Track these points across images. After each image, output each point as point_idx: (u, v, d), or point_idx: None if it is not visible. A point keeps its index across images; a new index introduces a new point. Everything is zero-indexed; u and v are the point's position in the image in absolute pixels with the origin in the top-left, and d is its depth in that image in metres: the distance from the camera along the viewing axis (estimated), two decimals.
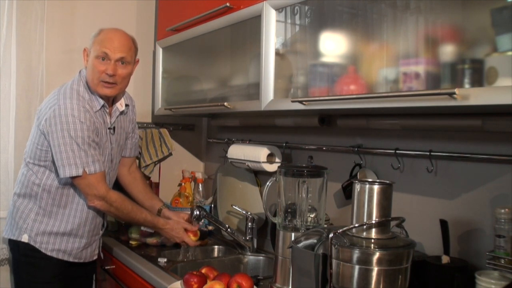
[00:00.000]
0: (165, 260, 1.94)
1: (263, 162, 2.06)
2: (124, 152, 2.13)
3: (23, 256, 1.88)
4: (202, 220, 2.13)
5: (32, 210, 1.88)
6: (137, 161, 2.59)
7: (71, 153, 1.77)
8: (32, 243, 1.86)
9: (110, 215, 1.95)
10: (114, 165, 2.01)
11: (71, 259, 1.91)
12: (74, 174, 1.78)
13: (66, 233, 1.89)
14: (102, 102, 1.88)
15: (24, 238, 1.87)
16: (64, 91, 1.82)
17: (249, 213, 2.13)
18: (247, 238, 2.12)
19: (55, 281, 1.89)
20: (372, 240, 1.22)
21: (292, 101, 1.55)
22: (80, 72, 1.91)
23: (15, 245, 1.91)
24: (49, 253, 1.87)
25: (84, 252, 1.95)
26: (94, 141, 1.83)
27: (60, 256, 1.88)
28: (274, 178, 1.68)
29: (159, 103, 2.45)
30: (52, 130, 1.78)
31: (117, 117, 1.98)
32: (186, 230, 2.00)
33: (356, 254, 1.19)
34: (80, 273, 2.00)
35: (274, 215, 1.80)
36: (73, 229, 1.90)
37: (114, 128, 1.97)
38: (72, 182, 1.85)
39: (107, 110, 1.93)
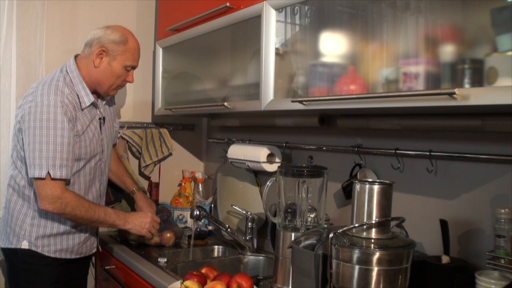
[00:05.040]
0: (165, 260, 1.93)
1: (263, 162, 2.06)
2: None
3: (22, 263, 1.82)
4: (202, 220, 2.13)
5: (27, 214, 1.82)
6: (137, 160, 2.60)
7: (38, 153, 1.69)
8: (33, 248, 1.81)
9: (65, 217, 1.79)
10: (106, 155, 1.97)
11: (73, 256, 1.89)
12: (36, 175, 1.69)
13: (66, 231, 1.86)
14: (92, 99, 1.85)
15: (24, 245, 1.81)
16: (42, 87, 1.76)
17: (249, 213, 2.13)
18: (247, 238, 2.12)
19: (56, 287, 1.85)
20: (372, 240, 1.22)
21: (292, 101, 1.55)
22: (61, 69, 1.85)
23: (11, 252, 1.84)
24: (52, 255, 1.83)
25: (84, 246, 1.94)
26: (71, 140, 1.74)
27: (62, 255, 1.86)
28: (274, 178, 1.68)
29: (159, 103, 2.45)
30: (26, 127, 1.72)
31: (104, 106, 1.96)
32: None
33: (356, 254, 1.19)
34: (78, 274, 1.99)
35: (274, 215, 1.80)
36: (73, 226, 1.86)
37: (104, 118, 1.95)
38: None
39: (96, 103, 1.89)
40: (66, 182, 1.77)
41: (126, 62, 1.86)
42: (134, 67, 1.90)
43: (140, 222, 1.95)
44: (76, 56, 1.90)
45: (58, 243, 1.85)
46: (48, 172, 1.69)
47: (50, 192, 1.71)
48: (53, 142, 1.70)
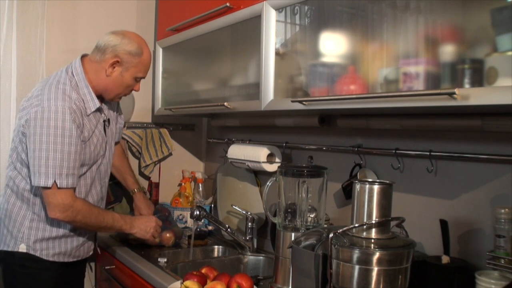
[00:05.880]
0: (165, 260, 1.93)
1: (263, 162, 2.06)
2: None
3: (19, 266, 1.77)
4: (202, 220, 2.13)
5: (25, 217, 1.77)
6: (137, 160, 2.61)
7: (44, 161, 1.64)
8: (31, 252, 1.76)
9: (75, 225, 1.78)
10: (107, 157, 1.94)
11: (70, 259, 1.86)
12: (42, 184, 1.65)
13: (65, 235, 1.82)
14: (98, 104, 1.80)
15: (22, 248, 1.76)
16: (49, 91, 1.70)
17: (249, 213, 2.13)
18: (247, 238, 2.12)
19: None
20: (372, 240, 1.22)
21: (292, 101, 1.55)
22: (66, 70, 1.80)
23: (8, 255, 1.78)
24: (50, 259, 1.78)
25: (82, 249, 1.91)
26: (78, 148, 1.70)
27: (60, 259, 1.82)
28: (274, 178, 1.68)
29: (159, 103, 2.45)
30: (31, 133, 1.66)
31: (108, 109, 1.92)
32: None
33: (356, 254, 1.19)
34: (75, 277, 1.98)
35: (274, 215, 1.80)
36: (71, 229, 1.82)
37: (108, 120, 1.91)
38: None
39: (101, 107, 1.85)
40: (74, 189, 1.74)
41: (138, 74, 1.83)
42: (143, 78, 1.89)
43: (145, 226, 1.97)
44: (82, 57, 1.84)
45: (57, 246, 1.81)
46: (55, 181, 1.65)
47: (61, 201, 1.68)
48: (60, 150, 1.65)
